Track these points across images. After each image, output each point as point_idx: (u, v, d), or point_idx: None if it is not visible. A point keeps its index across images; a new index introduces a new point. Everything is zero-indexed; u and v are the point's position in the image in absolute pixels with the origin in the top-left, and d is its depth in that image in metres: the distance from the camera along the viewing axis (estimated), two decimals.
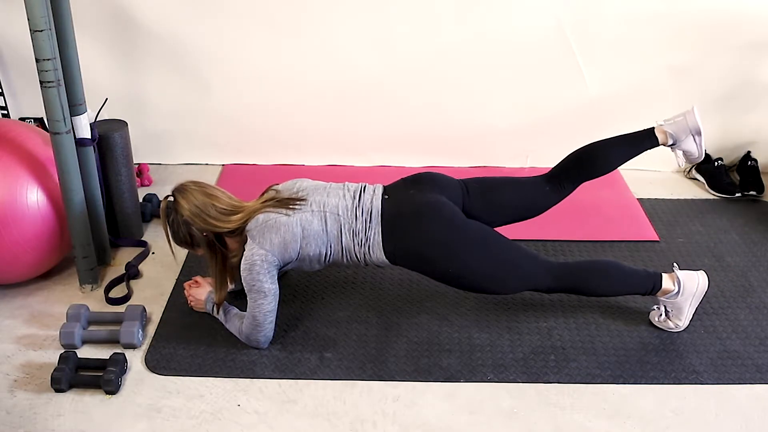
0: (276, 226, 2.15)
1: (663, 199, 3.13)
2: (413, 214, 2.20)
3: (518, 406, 2.08)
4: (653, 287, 2.27)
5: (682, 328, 2.31)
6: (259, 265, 2.13)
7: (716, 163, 3.20)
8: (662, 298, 2.29)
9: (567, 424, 2.02)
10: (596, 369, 2.19)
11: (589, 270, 2.29)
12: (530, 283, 2.25)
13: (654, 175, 3.31)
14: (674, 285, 2.26)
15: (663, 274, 2.28)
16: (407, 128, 3.28)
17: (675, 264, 2.34)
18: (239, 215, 2.19)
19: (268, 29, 3.05)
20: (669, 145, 2.39)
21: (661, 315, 2.32)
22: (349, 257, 2.23)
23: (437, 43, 3.07)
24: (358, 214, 2.21)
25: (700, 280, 2.27)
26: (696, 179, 3.28)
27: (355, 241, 2.20)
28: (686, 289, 2.26)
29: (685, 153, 2.40)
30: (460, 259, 2.18)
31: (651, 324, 2.36)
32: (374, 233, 2.19)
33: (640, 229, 2.90)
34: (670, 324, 2.31)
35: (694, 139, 2.35)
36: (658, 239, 2.83)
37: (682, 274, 2.27)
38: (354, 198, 2.24)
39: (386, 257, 2.21)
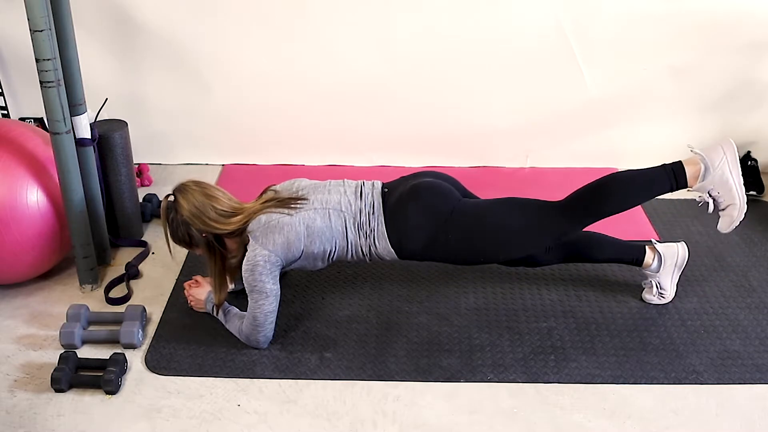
0: (279, 226, 2.15)
1: (663, 199, 3.11)
2: (411, 195, 2.22)
3: (518, 406, 2.08)
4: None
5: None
6: (262, 266, 2.13)
7: None
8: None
9: (567, 424, 2.02)
10: (596, 369, 2.19)
11: (598, 187, 2.19)
12: (545, 231, 2.20)
13: None
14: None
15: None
16: (407, 128, 3.28)
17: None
18: (239, 217, 2.19)
19: (268, 29, 3.05)
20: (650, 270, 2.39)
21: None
22: (354, 252, 2.23)
23: (437, 43, 3.07)
24: (362, 207, 2.21)
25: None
26: None
27: (361, 234, 2.20)
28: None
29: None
30: (461, 222, 2.18)
31: (651, 324, 2.35)
32: (378, 224, 2.20)
33: (640, 229, 2.90)
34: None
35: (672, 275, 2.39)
36: (658, 239, 2.82)
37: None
38: (356, 193, 2.25)
39: (392, 246, 2.21)
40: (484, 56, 3.10)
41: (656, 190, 2.16)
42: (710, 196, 2.14)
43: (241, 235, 2.20)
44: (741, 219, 2.14)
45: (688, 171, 2.13)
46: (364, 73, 3.15)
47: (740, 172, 2.11)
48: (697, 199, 2.19)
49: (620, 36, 3.03)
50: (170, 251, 2.27)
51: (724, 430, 2.01)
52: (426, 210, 2.20)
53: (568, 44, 3.05)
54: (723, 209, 2.17)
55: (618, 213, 2.19)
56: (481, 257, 2.28)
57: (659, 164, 2.17)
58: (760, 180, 3.16)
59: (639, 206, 3.04)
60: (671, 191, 2.16)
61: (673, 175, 2.13)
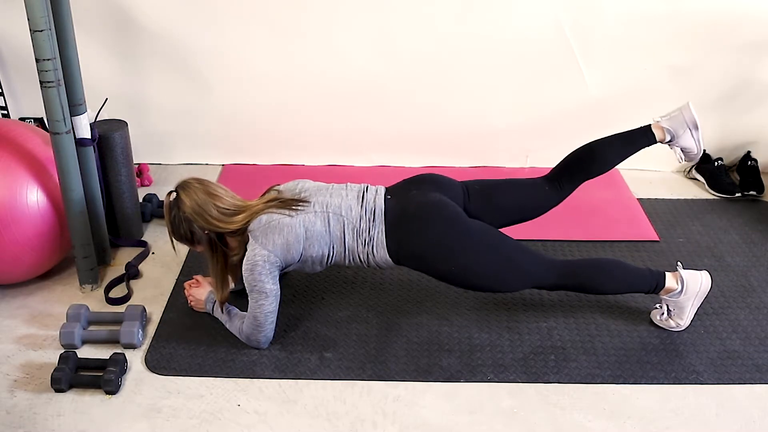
0: (279, 227, 2.15)
1: (663, 199, 3.13)
2: (416, 214, 2.20)
3: (518, 406, 2.08)
4: (656, 286, 2.27)
5: (683, 328, 2.32)
6: (261, 266, 2.13)
7: (716, 163, 3.20)
8: (665, 297, 2.29)
9: (567, 424, 2.02)
10: (596, 369, 2.19)
11: (593, 268, 2.29)
12: (533, 280, 2.25)
13: (654, 175, 3.31)
14: (677, 284, 2.26)
15: (666, 273, 2.28)
16: (407, 128, 3.28)
17: (679, 263, 2.34)
18: (242, 215, 2.18)
19: (268, 29, 3.05)
20: (667, 142, 2.40)
21: (663, 314, 2.33)
22: (352, 258, 2.23)
23: (437, 42, 3.07)
24: (362, 213, 2.21)
25: (703, 279, 2.27)
26: (696, 179, 3.28)
27: (359, 241, 2.20)
28: (689, 288, 2.26)
29: (684, 150, 2.40)
30: (463, 257, 2.18)
31: (651, 324, 2.36)
32: (378, 232, 2.19)
33: (640, 229, 2.90)
34: (672, 323, 2.32)
35: (692, 134, 2.36)
36: (658, 239, 2.83)
37: (686, 273, 2.27)
38: (357, 198, 2.24)
39: (390, 257, 2.21)
40: (484, 56, 3.10)
41: (638, 289, 2.31)
42: (668, 307, 2.32)
43: (243, 233, 2.20)
44: (672, 329, 2.34)
45: (667, 285, 2.27)
46: (365, 73, 3.15)
47: (700, 304, 2.31)
48: (658, 305, 2.36)
49: (620, 36, 3.03)
50: (174, 247, 2.27)
51: (724, 430, 2.01)
52: (432, 241, 2.18)
53: (568, 44, 3.05)
54: (670, 318, 2.33)
55: (598, 293, 2.38)
56: (472, 288, 2.28)
57: (648, 269, 2.32)
58: (760, 180, 3.16)
59: (639, 206, 3.05)
60: (645, 293, 2.32)
61: (656, 284, 2.27)
